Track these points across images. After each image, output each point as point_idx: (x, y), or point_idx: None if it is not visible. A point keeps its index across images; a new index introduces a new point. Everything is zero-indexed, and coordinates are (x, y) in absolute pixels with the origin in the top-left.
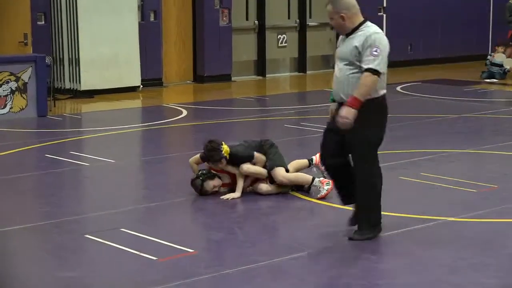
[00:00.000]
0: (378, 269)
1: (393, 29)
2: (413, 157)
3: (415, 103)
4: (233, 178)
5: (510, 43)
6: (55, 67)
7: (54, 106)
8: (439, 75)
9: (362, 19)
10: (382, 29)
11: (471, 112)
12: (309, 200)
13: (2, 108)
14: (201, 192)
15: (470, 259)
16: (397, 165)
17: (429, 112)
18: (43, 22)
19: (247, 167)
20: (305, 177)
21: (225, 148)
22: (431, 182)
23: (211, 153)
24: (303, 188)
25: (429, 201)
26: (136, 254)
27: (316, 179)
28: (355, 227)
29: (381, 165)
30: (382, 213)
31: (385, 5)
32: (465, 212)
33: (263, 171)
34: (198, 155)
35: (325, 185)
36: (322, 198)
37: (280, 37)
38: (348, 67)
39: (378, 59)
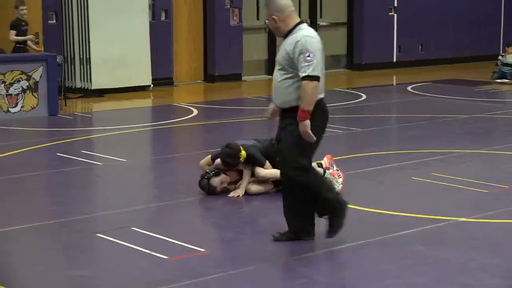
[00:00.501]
0: (388, 269)
1: (404, 29)
2: (424, 157)
3: (426, 103)
4: (241, 174)
5: None
6: (66, 66)
7: (65, 105)
8: (450, 75)
9: (297, 21)
10: (393, 29)
11: (482, 112)
12: None
13: (13, 107)
14: (209, 191)
15: (480, 260)
16: (408, 165)
17: (440, 112)
18: (54, 21)
19: (264, 172)
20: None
21: (243, 154)
22: (442, 182)
23: (229, 159)
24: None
25: (440, 201)
26: (147, 253)
27: (327, 172)
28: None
29: (392, 165)
30: (392, 213)
31: (395, 4)
32: (476, 213)
33: (278, 172)
34: (208, 157)
35: (338, 177)
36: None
37: None
38: (280, 72)
39: (312, 65)
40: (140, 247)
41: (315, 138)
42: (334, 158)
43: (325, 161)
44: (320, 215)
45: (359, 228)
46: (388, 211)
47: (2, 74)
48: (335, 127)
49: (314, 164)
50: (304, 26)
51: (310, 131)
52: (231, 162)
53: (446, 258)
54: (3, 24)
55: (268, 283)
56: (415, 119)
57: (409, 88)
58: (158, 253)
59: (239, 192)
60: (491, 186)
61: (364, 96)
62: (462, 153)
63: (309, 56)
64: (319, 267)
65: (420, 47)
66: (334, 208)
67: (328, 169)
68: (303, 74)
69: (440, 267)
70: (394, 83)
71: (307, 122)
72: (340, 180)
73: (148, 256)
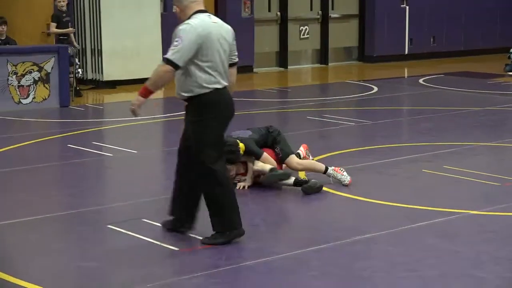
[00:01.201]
0: (400, 262)
1: (416, 21)
2: (436, 149)
3: (438, 95)
4: (247, 166)
5: None
6: (77, 57)
7: (79, 96)
8: (462, 67)
9: (195, 10)
10: (405, 22)
11: (495, 105)
12: (331, 192)
13: (25, 98)
14: None
15: (493, 253)
16: (420, 157)
17: (452, 105)
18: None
19: (259, 165)
20: (319, 165)
21: (242, 146)
22: (454, 175)
23: (230, 156)
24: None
25: (452, 194)
26: (158, 244)
27: (330, 168)
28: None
29: (403, 157)
30: (404, 205)
31: None
32: (488, 206)
33: (268, 167)
34: None
35: (341, 171)
36: (348, 185)
37: (302, 29)
38: None
39: (175, 49)
40: (151, 238)
41: (137, 115)
42: (346, 150)
43: (302, 151)
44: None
45: (371, 220)
46: (400, 203)
47: (14, 65)
48: (347, 119)
49: (292, 156)
50: (199, 15)
51: (138, 109)
52: (232, 158)
53: (458, 251)
54: (17, 16)
55: (279, 275)
56: (426, 111)
57: (420, 80)
58: (169, 245)
59: (246, 183)
60: (503, 179)
61: (375, 89)
62: (474, 145)
63: (177, 41)
64: (331, 259)
65: (432, 40)
66: (223, 224)
67: (336, 171)
68: (164, 56)
69: (453, 260)
70: (406, 75)
71: (142, 99)
72: (345, 174)
73: (158, 247)
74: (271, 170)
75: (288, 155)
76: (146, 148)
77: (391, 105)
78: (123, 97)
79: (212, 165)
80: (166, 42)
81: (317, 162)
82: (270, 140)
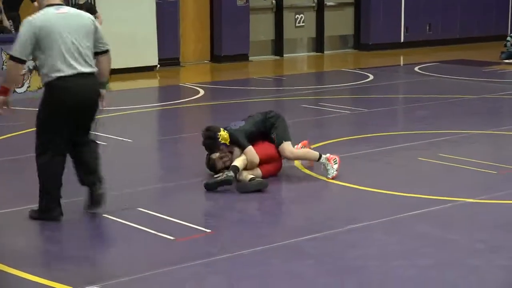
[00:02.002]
0: (395, 250)
1: (412, 9)
2: (432, 137)
3: (434, 83)
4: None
5: None
6: None
7: None
8: (458, 55)
9: (47, 3)
10: (401, 9)
11: (491, 92)
12: (326, 181)
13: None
14: (209, 166)
15: (489, 241)
16: (416, 145)
17: (447, 93)
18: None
19: (241, 174)
20: (313, 153)
21: (223, 135)
22: (450, 163)
23: (206, 141)
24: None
25: (448, 182)
26: (153, 233)
27: (323, 156)
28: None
29: (399, 145)
30: (399, 194)
31: None
32: (484, 194)
33: (249, 176)
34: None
35: (333, 162)
36: (335, 178)
37: (297, 17)
38: None
39: (16, 45)
40: (147, 228)
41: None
42: (342, 139)
43: (297, 146)
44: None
45: (365, 209)
46: (395, 192)
47: (8, 54)
48: (342, 107)
49: (286, 143)
50: (46, 8)
51: (1, 108)
52: (209, 144)
53: (454, 240)
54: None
55: (275, 264)
56: (422, 99)
57: (416, 68)
58: (165, 234)
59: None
60: (499, 167)
61: (371, 77)
62: (470, 133)
63: (18, 36)
64: (326, 248)
65: (427, 27)
66: (41, 209)
67: (330, 162)
68: (8, 52)
69: (449, 248)
70: (402, 63)
71: (2, 97)
72: (335, 166)
73: (154, 236)
74: (251, 179)
75: (282, 142)
76: (141, 137)
77: (387, 93)
78: (118, 86)
79: (37, 156)
80: (161, 31)
81: (311, 151)
82: (268, 125)
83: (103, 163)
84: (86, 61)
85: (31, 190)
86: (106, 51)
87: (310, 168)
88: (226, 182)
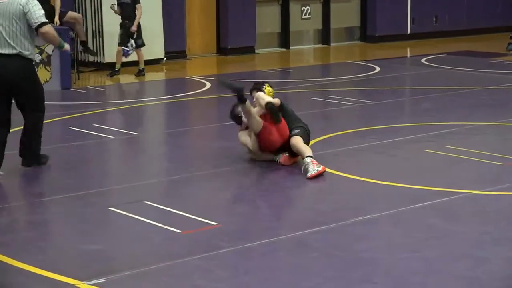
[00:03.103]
0: (402, 242)
1: (418, 1)
2: (438, 129)
3: (440, 75)
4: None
5: None
6: (79, 40)
7: (78, 78)
8: (464, 47)
9: None
10: (407, 1)
11: (497, 84)
12: (333, 173)
13: None
14: (233, 113)
15: (495, 233)
16: (422, 137)
17: (454, 85)
18: None
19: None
20: (304, 151)
21: (270, 90)
22: (456, 155)
23: (256, 85)
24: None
25: (454, 174)
26: (160, 226)
27: (309, 158)
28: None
29: (405, 137)
30: (405, 186)
31: None
32: (490, 186)
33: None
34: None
35: (316, 166)
36: (312, 178)
37: (304, 9)
38: None
39: None
40: (153, 220)
41: None
42: (348, 131)
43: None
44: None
45: (372, 201)
46: (402, 184)
47: None
48: (349, 99)
49: (307, 150)
50: None
51: None
52: (255, 87)
53: (461, 232)
54: None
55: (281, 256)
56: (429, 91)
57: (423, 60)
58: (171, 227)
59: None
60: (506, 159)
61: (377, 69)
62: (477, 125)
63: None
64: (332, 240)
65: (434, 19)
66: None
67: (313, 164)
68: None
69: (455, 240)
70: (408, 55)
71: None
72: (317, 169)
73: (160, 229)
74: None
75: (298, 135)
76: (148, 130)
77: (393, 85)
78: (124, 79)
79: None
80: (168, 24)
81: (307, 148)
82: (284, 110)
83: (109, 156)
84: (9, 43)
85: (36, 183)
86: (40, 26)
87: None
88: (238, 90)
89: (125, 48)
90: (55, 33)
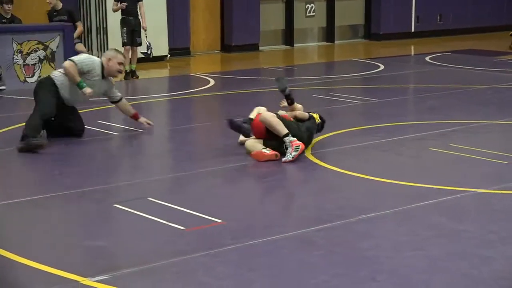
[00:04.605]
0: (406, 240)
1: None
2: (443, 128)
3: (445, 73)
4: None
5: None
6: (83, 36)
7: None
8: (469, 45)
9: None
10: (412, 0)
11: (502, 82)
12: (337, 171)
13: (30, 77)
14: (242, 130)
15: (500, 232)
16: (427, 136)
17: (458, 83)
18: None
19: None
20: (282, 127)
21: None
22: (461, 153)
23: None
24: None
25: (458, 172)
26: (164, 223)
27: (288, 138)
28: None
29: (410, 136)
30: (410, 184)
31: None
32: (495, 184)
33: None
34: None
35: (295, 149)
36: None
37: (308, 7)
38: None
39: None
40: (157, 217)
41: None
42: (352, 129)
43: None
44: None
45: (377, 199)
46: (406, 182)
47: (19, 44)
48: (353, 97)
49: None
50: None
51: None
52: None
53: (465, 230)
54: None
55: (285, 254)
56: (433, 89)
57: (427, 58)
58: (175, 224)
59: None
60: (510, 158)
61: (382, 67)
62: (481, 123)
63: None
64: (337, 238)
65: (438, 17)
66: None
67: (292, 147)
68: None
69: (460, 239)
70: (412, 53)
71: None
72: (293, 154)
73: (165, 226)
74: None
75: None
76: (152, 127)
77: (398, 83)
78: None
79: None
80: (172, 21)
81: (282, 124)
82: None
83: (113, 153)
84: None
85: (41, 179)
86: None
87: (321, 158)
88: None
89: (144, 52)
90: (72, 72)
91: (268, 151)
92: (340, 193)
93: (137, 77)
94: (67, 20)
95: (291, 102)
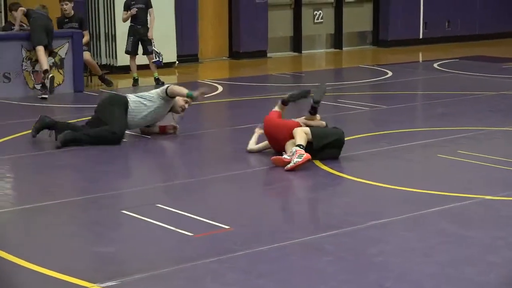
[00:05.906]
0: (415, 247)
1: (431, 5)
2: (451, 134)
3: (453, 80)
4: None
5: None
6: (91, 42)
7: (91, 81)
8: (477, 52)
9: None
10: (419, 5)
11: (510, 89)
12: (345, 177)
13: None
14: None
15: (508, 239)
16: (435, 142)
17: (466, 89)
18: None
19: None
20: (300, 139)
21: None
22: (469, 160)
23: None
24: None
25: (467, 179)
26: (172, 230)
27: (296, 147)
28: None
29: (418, 142)
30: (418, 190)
31: None
32: (503, 191)
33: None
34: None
35: (297, 156)
36: (290, 170)
37: (316, 13)
38: None
39: None
40: (165, 223)
41: None
42: (361, 135)
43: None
44: None
45: (385, 205)
46: (415, 188)
47: (28, 51)
48: (361, 104)
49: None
50: None
51: None
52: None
53: (473, 237)
54: (29, 1)
55: (293, 260)
56: (441, 96)
57: (435, 65)
58: (183, 230)
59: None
60: None
61: (390, 73)
62: (489, 130)
63: None
64: (345, 244)
65: (446, 24)
66: None
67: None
68: None
69: (467, 245)
70: (420, 59)
71: None
72: (296, 160)
73: (173, 232)
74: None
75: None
76: (160, 133)
77: (406, 89)
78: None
79: None
80: (180, 28)
81: (302, 138)
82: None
83: (121, 159)
84: None
85: (53, 186)
86: None
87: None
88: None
89: (154, 60)
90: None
91: (288, 157)
92: (349, 199)
93: (163, 83)
94: (77, 27)
95: (314, 112)
